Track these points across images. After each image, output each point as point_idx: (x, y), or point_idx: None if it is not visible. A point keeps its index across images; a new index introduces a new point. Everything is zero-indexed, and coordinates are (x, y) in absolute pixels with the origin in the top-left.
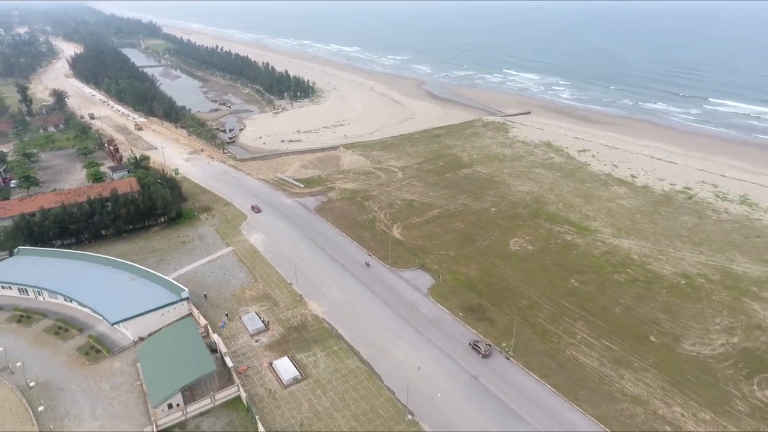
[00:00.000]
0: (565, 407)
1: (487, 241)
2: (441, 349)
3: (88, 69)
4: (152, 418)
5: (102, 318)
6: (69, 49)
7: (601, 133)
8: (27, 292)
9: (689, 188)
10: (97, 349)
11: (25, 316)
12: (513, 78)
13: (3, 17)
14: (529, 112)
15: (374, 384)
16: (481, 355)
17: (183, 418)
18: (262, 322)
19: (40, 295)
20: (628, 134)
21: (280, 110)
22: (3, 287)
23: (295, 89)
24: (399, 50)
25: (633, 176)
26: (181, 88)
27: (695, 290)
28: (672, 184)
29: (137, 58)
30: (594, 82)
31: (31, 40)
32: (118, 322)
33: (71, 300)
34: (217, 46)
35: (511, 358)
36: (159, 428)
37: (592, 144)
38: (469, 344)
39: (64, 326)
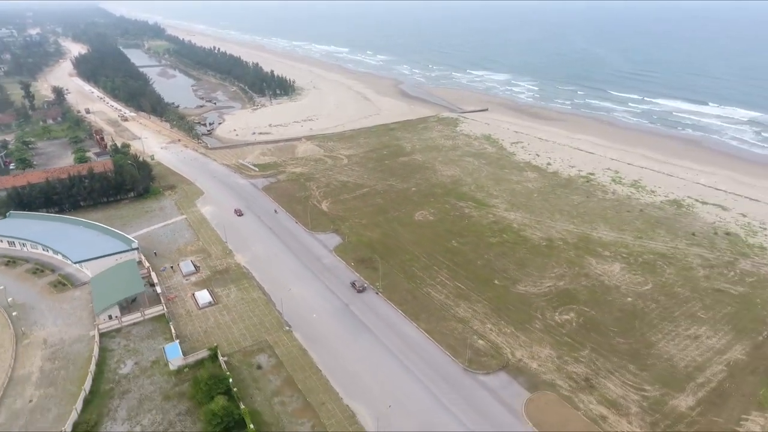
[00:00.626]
0: (406, 324)
1: (397, 213)
2: (327, 287)
3: (89, 68)
4: (95, 323)
5: (69, 261)
6: (76, 50)
7: (543, 128)
8: (14, 244)
9: (592, 174)
10: (64, 283)
11: (11, 261)
12: (486, 78)
13: (17, 18)
14: (486, 109)
15: (268, 308)
16: (356, 291)
17: (119, 325)
18: (195, 267)
19: (24, 246)
20: (567, 129)
21: (259, 107)
22: (6, 241)
23: (276, 87)
24: (387, 51)
25: (548, 164)
26: (175, 86)
27: (550, 250)
28: (579, 171)
29: (139, 58)
30: (562, 81)
31: (41, 41)
32: (80, 262)
33: (47, 249)
34: (214, 47)
35: (379, 293)
36: (100, 332)
37: (528, 137)
38: (350, 283)
39: (40, 268)
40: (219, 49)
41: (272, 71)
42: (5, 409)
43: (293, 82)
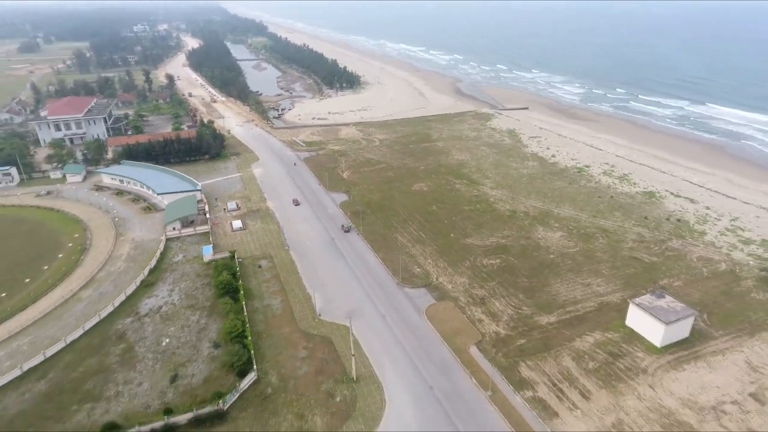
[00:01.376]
0: (369, 254)
1: (399, 184)
2: (324, 227)
3: (198, 60)
4: (164, 232)
5: (154, 194)
6: (191, 44)
7: (570, 126)
8: (123, 181)
9: (588, 166)
10: (150, 208)
11: (119, 193)
12: (544, 78)
13: (152, 15)
14: (526, 108)
15: (278, 236)
16: (344, 231)
17: (179, 235)
18: (237, 206)
19: (129, 183)
20: (594, 129)
21: (325, 97)
22: (112, 178)
23: (344, 81)
24: (460, 50)
25: (553, 156)
26: (264, 78)
27: (510, 218)
28: (578, 163)
29: (241, 53)
30: (619, 83)
31: (166, 36)
32: (161, 194)
33: (143, 186)
34: (304, 45)
35: (359, 234)
36: (167, 237)
37: (550, 134)
38: (341, 226)
39: (137, 198)
40: (308, 46)
41: (345, 67)
42: (105, 271)
43: (360, 77)
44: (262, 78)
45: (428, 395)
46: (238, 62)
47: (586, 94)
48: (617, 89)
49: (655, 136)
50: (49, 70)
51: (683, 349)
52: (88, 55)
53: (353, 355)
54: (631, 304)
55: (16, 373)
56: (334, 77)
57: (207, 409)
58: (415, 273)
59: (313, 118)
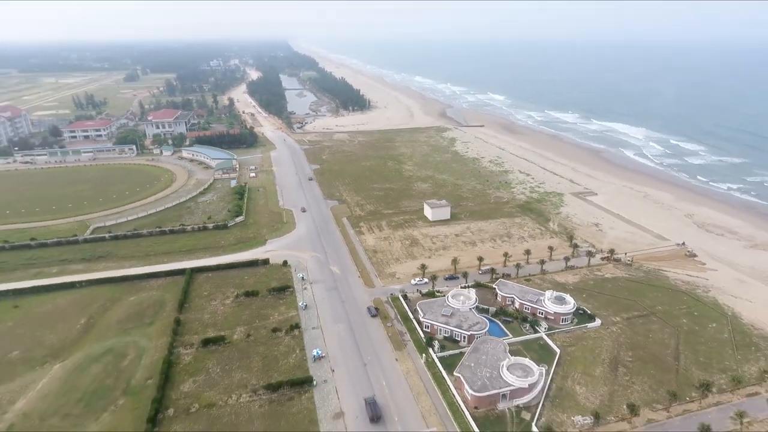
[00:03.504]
0: (317, 189)
1: (355, 162)
2: (299, 179)
3: (254, 89)
4: (213, 176)
5: (210, 161)
6: (254, 75)
7: (501, 137)
8: (193, 154)
9: (483, 158)
10: (207, 167)
11: (192, 160)
12: (508, 105)
13: (226, 50)
14: (482, 126)
15: (273, 180)
16: (308, 180)
17: (221, 177)
18: (254, 167)
19: (198, 155)
20: (519, 139)
21: (339, 116)
22: (188, 153)
23: (356, 104)
24: (469, 83)
25: (466, 152)
26: (301, 102)
27: (407, 179)
28: (478, 155)
29: (291, 84)
30: (564, 108)
31: (234, 69)
32: (213, 159)
33: (204, 156)
34: (341, 78)
35: (317, 182)
36: (215, 179)
37: (479, 141)
38: (308, 178)
39: (202, 162)
40: (343, 78)
41: (362, 94)
42: (182, 189)
43: (371, 101)
44: (301, 102)
45: (316, 231)
46: (285, 90)
47: (540, 116)
48: (564, 113)
49: (557, 143)
50: (147, 94)
51: (443, 223)
52: (174, 83)
53: (284, 219)
54: (425, 204)
55: (143, 213)
56: (349, 101)
57: (226, 221)
58: (335, 196)
59: (323, 129)
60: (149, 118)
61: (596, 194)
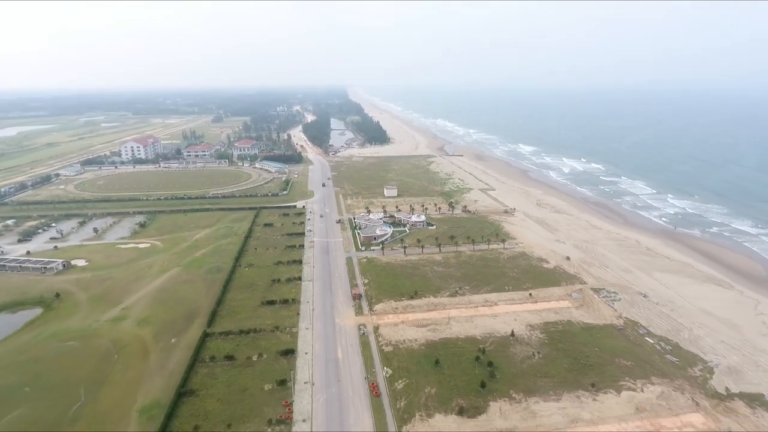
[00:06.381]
0: (331, 187)
1: (360, 173)
2: (321, 179)
3: (307, 128)
4: (272, 175)
5: (271, 169)
6: (310, 118)
7: (469, 163)
8: (260, 166)
9: (442, 171)
10: (269, 171)
11: (263, 169)
12: (492, 140)
13: (291, 97)
14: (461, 155)
15: (307, 179)
16: (327, 179)
17: (278, 175)
18: (297, 173)
19: (262, 166)
20: (481, 164)
21: (364, 147)
22: (260, 165)
23: (378, 139)
24: (484, 127)
25: (434, 169)
26: (341, 139)
27: (388, 181)
28: (441, 171)
29: (337, 125)
30: (537, 143)
31: (295, 114)
32: (274, 169)
33: (268, 166)
34: (376, 120)
35: (331, 180)
36: (273, 177)
37: (452, 164)
38: (327, 177)
39: (266, 170)
40: (378, 121)
41: (386, 132)
42: (252, 182)
43: (390, 138)
44: (341, 138)
45: (323, 199)
46: (331, 130)
47: (509, 150)
48: (530, 146)
49: (504, 166)
50: (230, 131)
51: (392, 198)
52: (249, 124)
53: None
54: (384, 187)
55: (235, 188)
56: (374, 137)
57: (278, 192)
58: (340, 185)
59: (348, 155)
60: (236, 144)
61: (495, 190)
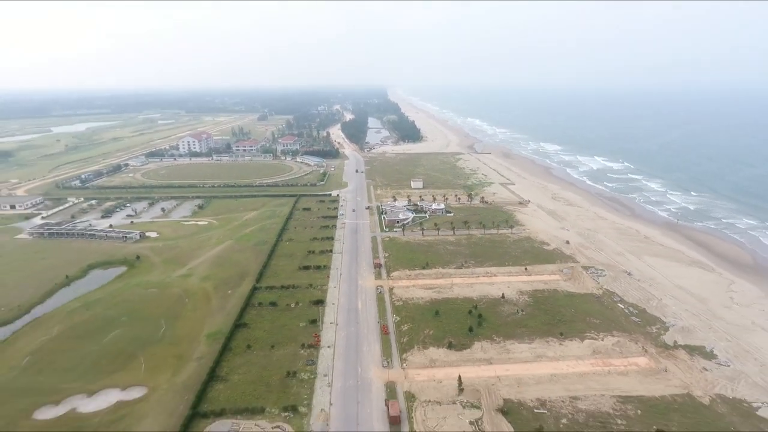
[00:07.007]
0: (363, 176)
1: (390, 166)
2: (356, 169)
3: (345, 127)
4: (312, 168)
5: (311, 163)
6: (348, 117)
7: (496, 160)
8: (302, 160)
9: (467, 167)
10: (309, 165)
11: (302, 162)
12: (522, 140)
13: (332, 97)
14: (489, 153)
15: (343, 171)
16: (360, 172)
17: (317, 168)
18: (334, 166)
19: (303, 161)
20: (506, 161)
21: (398, 144)
22: (301, 159)
23: (412, 137)
24: (509, 125)
25: (462, 168)
26: (377, 137)
27: (417, 174)
28: (467, 167)
29: (374, 124)
30: (565, 142)
31: (335, 113)
32: (315, 162)
33: (310, 161)
34: (412, 120)
35: (365, 173)
36: (312, 169)
37: (478, 161)
38: (361, 171)
39: (307, 164)
40: (413, 120)
41: (420, 130)
42: (293, 174)
43: (423, 136)
44: (377, 136)
45: (356, 189)
46: (368, 129)
47: (535, 149)
48: (554, 145)
49: (528, 164)
50: (274, 128)
51: (418, 189)
52: (291, 122)
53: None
54: (411, 179)
55: (279, 179)
56: (408, 135)
57: (316, 182)
58: (371, 177)
59: (382, 151)
60: (279, 140)
61: (514, 184)
